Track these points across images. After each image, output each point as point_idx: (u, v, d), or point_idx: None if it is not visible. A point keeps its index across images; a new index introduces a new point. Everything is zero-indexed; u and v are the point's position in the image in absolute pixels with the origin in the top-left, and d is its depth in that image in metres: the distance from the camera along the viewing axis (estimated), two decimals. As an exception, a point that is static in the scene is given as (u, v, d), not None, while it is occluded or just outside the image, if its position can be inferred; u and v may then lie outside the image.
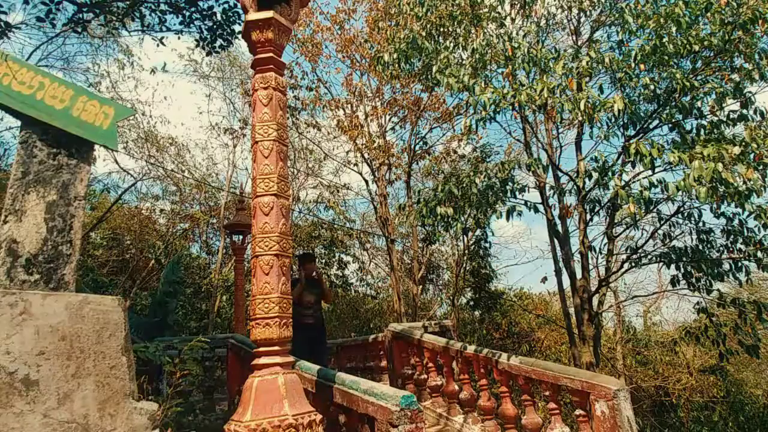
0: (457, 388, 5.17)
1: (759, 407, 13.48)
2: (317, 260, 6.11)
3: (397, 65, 6.01)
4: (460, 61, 5.90)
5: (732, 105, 5.31)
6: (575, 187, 7.07)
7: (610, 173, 5.07)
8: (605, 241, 7.62)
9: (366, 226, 17.23)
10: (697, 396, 13.08)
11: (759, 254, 5.41)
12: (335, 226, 15.94)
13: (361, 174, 12.44)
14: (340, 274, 16.10)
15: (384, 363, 6.63)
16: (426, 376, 5.71)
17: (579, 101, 4.61)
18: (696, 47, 5.00)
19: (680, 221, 6.54)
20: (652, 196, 4.82)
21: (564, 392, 4.46)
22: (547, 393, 4.16)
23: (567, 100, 4.73)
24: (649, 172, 4.92)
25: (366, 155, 11.86)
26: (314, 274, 5.64)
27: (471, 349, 4.96)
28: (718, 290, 6.04)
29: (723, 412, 12.95)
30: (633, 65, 5.22)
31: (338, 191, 16.17)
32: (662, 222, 6.79)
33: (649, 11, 5.32)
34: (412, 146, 12.21)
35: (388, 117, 12.32)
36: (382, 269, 17.36)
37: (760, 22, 4.76)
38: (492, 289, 14.34)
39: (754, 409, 13.45)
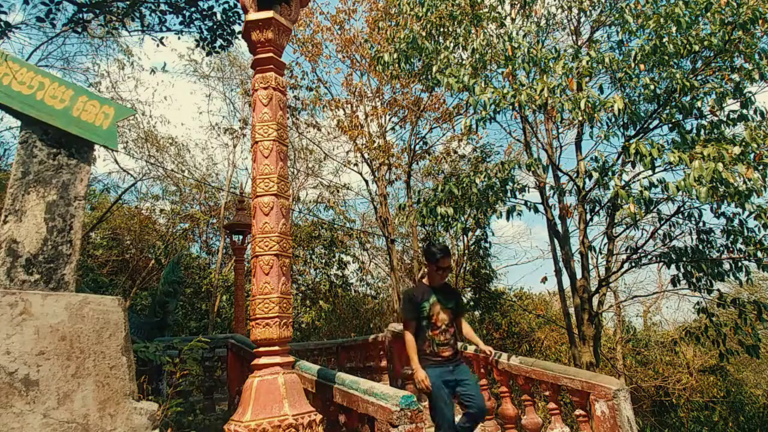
0: (457, 388, 5.15)
1: (759, 407, 13.48)
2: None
3: (397, 65, 6.02)
4: (460, 61, 5.91)
5: (732, 105, 5.32)
6: (575, 187, 7.07)
7: (610, 173, 5.08)
8: (605, 241, 7.63)
9: (366, 226, 17.23)
10: (697, 396, 13.08)
11: (759, 254, 5.42)
12: (335, 226, 15.94)
13: (361, 174, 12.45)
14: (340, 274, 16.10)
15: (384, 363, 6.63)
16: (426, 376, 5.70)
17: (579, 101, 4.62)
18: (696, 47, 5.01)
19: (680, 221, 6.56)
20: (652, 196, 4.83)
21: (564, 392, 4.46)
22: (547, 393, 4.16)
23: (567, 99, 4.73)
24: (649, 172, 4.93)
25: (366, 155, 11.86)
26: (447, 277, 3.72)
27: (471, 349, 4.95)
28: (718, 290, 6.05)
29: (723, 412, 12.94)
30: (633, 65, 5.22)
31: (338, 191, 16.18)
32: (662, 222, 6.80)
33: (649, 11, 5.32)
34: (412, 146, 12.21)
35: (388, 117, 12.32)
36: (382, 269, 17.36)
37: (760, 22, 4.76)
38: (492, 289, 14.33)
39: (754, 409, 13.44)
